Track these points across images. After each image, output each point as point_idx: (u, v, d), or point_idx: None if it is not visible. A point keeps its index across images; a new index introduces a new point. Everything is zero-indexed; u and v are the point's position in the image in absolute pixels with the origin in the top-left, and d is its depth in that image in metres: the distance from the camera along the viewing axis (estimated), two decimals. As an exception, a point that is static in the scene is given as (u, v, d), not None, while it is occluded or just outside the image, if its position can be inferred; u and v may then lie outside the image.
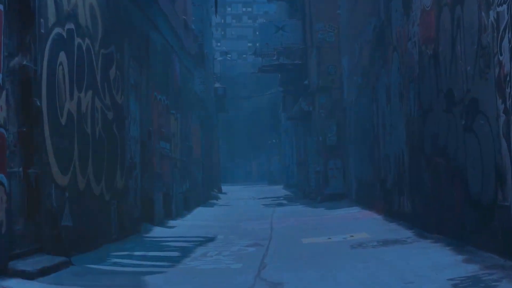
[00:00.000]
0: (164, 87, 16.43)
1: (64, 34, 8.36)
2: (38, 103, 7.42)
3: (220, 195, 34.01)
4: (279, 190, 40.42)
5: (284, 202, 26.97)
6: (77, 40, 8.84)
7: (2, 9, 6.48)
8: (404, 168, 11.90)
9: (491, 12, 6.76)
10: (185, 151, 20.49)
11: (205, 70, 28.92)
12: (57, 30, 8.10)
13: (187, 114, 21.20)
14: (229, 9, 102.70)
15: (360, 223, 13.43)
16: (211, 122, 32.26)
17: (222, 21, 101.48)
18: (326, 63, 24.37)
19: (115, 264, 8.37)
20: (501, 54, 6.53)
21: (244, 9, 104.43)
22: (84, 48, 9.09)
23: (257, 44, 33.07)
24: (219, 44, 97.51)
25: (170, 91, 17.27)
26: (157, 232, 13.38)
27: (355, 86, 19.48)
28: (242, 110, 69.03)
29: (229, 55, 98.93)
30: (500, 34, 6.53)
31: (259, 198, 30.83)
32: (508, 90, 6.38)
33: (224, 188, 44.23)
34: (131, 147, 12.05)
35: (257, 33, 42.47)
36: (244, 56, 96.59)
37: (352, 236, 10.80)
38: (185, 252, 9.75)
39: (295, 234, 12.07)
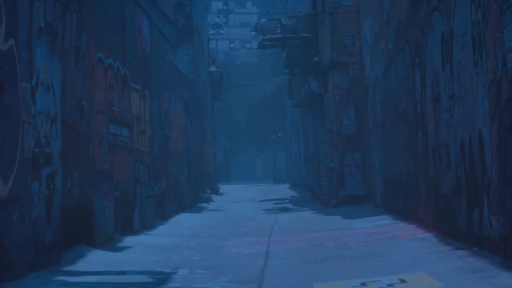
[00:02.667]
0: (119, 48, 11.92)
1: None
2: None
3: (215, 196, 29.51)
4: (285, 190, 35.88)
5: (290, 206, 22.44)
6: None
7: None
8: (483, 162, 7.37)
9: None
10: (159, 142, 15.99)
11: (194, 46, 24.44)
12: None
13: (163, 95, 16.71)
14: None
15: (403, 247, 8.90)
16: (204, 110, 27.76)
17: (225, 7, 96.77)
18: (342, 33, 19.82)
19: None
20: None
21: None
22: None
23: (262, 21, 28.40)
24: (221, 32, 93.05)
25: (130, 57, 12.77)
26: (93, 259, 8.91)
27: (383, 55, 14.95)
28: (245, 101, 64.46)
29: (232, 44, 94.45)
30: None
31: (259, 201, 26.31)
32: None
33: (223, 187, 39.82)
34: (37, 129, 7.56)
35: None
36: (248, 45, 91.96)
37: (404, 280, 6.28)
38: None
39: (303, 270, 7.58)
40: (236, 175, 71.31)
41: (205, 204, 23.23)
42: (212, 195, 29.44)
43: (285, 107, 44.08)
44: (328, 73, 20.46)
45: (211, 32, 33.59)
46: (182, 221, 16.68)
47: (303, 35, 23.35)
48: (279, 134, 54.03)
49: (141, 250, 10.28)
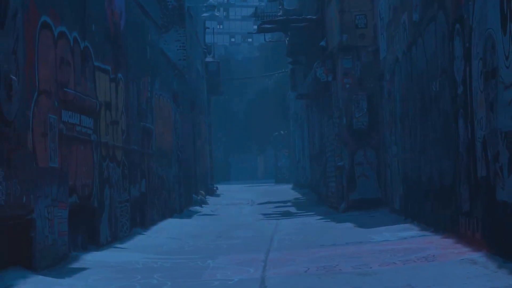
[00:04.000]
0: (77, 15, 9.53)
1: None
2: None
3: (210, 198, 27.16)
4: (287, 191, 33.49)
5: (293, 210, 20.06)
6: None
7: None
8: None
9: None
10: (138, 136, 13.63)
11: (186, 31, 22.05)
12: None
13: (144, 81, 14.34)
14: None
15: (450, 275, 6.50)
16: (197, 103, 25.37)
17: (225, 0, 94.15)
18: (353, 12, 17.45)
19: None
20: None
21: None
22: None
23: (263, 4, 26.03)
24: (220, 26, 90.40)
25: (94, 28, 10.39)
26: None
27: (406, 30, 12.56)
28: (245, 96, 62.04)
29: (233, 39, 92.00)
30: None
31: (259, 204, 23.94)
32: None
33: (222, 188, 37.49)
34: None
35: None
36: (250, 40, 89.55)
37: None
38: None
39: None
40: (236, 174, 68.95)
41: (198, 208, 20.87)
42: (207, 197, 27.10)
43: (288, 101, 41.67)
44: (336, 59, 18.08)
45: (204, 14, 31.09)
46: (167, 229, 14.32)
47: (308, 17, 20.94)
48: (282, 131, 51.64)
49: (97, 274, 7.91)
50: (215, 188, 32.41)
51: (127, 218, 12.40)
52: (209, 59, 31.41)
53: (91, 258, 9.19)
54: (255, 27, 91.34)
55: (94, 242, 10.27)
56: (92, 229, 10.26)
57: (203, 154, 27.93)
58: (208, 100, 31.82)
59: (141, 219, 13.91)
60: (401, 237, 10.21)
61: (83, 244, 9.91)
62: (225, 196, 29.48)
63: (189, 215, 18.62)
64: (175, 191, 18.25)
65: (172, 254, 10.03)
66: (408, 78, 12.44)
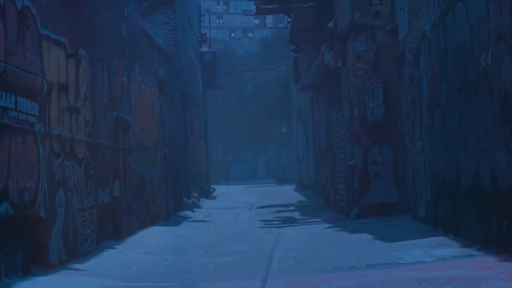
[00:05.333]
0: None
1: None
2: None
3: (205, 201, 24.88)
4: (290, 192, 31.15)
5: (297, 215, 17.74)
6: None
7: None
8: None
9: None
10: (109, 128, 11.32)
11: (176, 13, 19.73)
12: None
13: (118, 63, 12.02)
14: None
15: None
16: (190, 95, 23.05)
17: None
18: (366, -15, 15.16)
19: None
20: None
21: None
22: None
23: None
24: (220, 20, 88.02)
25: (40, -14, 8.09)
26: None
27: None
28: (246, 93, 59.72)
29: (233, 34, 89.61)
30: None
31: (258, 207, 21.64)
32: None
33: (220, 189, 35.24)
34: None
35: None
36: (250, 35, 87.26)
37: None
38: None
39: None
40: (236, 174, 66.83)
41: (189, 213, 18.56)
42: (202, 199, 24.82)
43: (291, 96, 39.33)
44: (347, 41, 15.79)
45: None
46: (146, 240, 12.04)
47: (313, -4, 18.65)
48: (284, 129, 49.34)
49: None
50: (211, 190, 30.11)
51: (92, 229, 10.10)
52: (204, 48, 29.08)
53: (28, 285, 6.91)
54: (257, 21, 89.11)
55: (41, 263, 7.98)
56: (37, 246, 7.96)
57: (197, 152, 25.62)
58: (203, 94, 29.49)
59: (114, 229, 11.63)
60: (439, 257, 7.91)
61: (23, 267, 7.62)
62: (222, 199, 27.16)
63: (178, 221, 16.33)
64: (160, 194, 15.95)
65: (140, 279, 7.74)
66: (441, 55, 10.12)
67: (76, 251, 9.24)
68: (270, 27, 28.70)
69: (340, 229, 13.14)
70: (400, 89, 14.39)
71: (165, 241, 12.07)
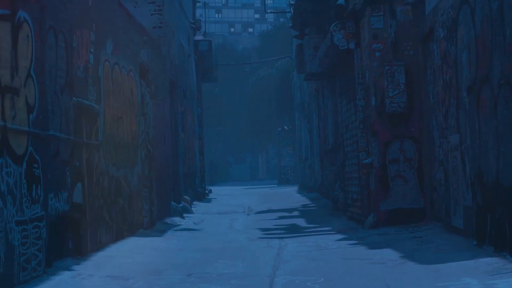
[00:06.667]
0: None
1: None
2: None
3: (199, 204, 22.63)
4: (292, 194, 28.85)
5: (301, 223, 15.46)
6: None
7: None
8: None
9: None
10: (67, 117, 9.03)
11: (164, -9, 17.45)
12: None
13: (81, 36, 9.73)
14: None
15: None
16: (180, 86, 20.76)
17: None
18: (385, -49, 12.91)
19: None
20: None
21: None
22: None
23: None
24: (219, 15, 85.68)
25: None
26: None
27: None
28: (246, 87, 57.39)
29: (233, 29, 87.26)
30: None
31: (258, 212, 19.36)
32: None
33: (218, 190, 33.10)
34: None
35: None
36: (251, 29, 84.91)
37: None
38: None
39: None
40: (235, 175, 64.67)
41: (177, 220, 16.28)
42: (195, 203, 22.58)
43: (293, 90, 37.03)
44: (361, 18, 13.52)
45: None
46: (115, 258, 9.76)
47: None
48: (285, 127, 47.05)
49: None
50: (206, 192, 27.86)
51: (39, 246, 7.84)
52: (199, 37, 26.79)
53: None
54: (257, 16, 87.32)
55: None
56: None
57: (190, 150, 23.33)
58: (198, 86, 27.21)
59: (76, 244, 9.38)
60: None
61: None
62: (218, 202, 24.88)
63: (163, 230, 14.07)
64: (141, 198, 13.67)
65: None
66: (493, 19, 7.85)
67: (10, 279, 6.98)
68: (272, 12, 26.36)
69: (356, 241, 10.88)
70: (426, 73, 12.14)
71: (140, 258, 9.80)
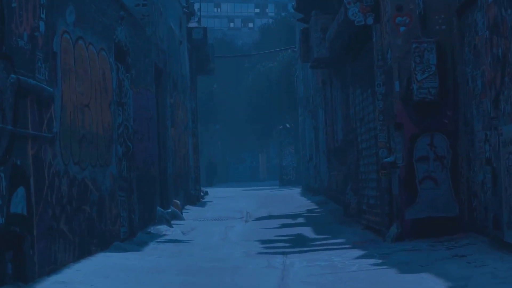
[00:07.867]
0: None
1: None
2: None
3: (191, 208, 20.45)
4: (296, 197, 26.60)
5: (308, 233, 13.21)
6: None
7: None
8: None
9: None
10: (4, 101, 6.82)
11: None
12: None
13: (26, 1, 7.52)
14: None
15: None
16: (170, 74, 18.53)
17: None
18: None
19: None
20: None
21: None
22: None
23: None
24: (217, 9, 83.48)
25: None
26: None
27: None
28: (246, 85, 55.24)
29: (232, 24, 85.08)
30: None
31: (257, 219, 17.13)
32: None
33: (215, 192, 31.01)
34: None
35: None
36: (251, 24, 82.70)
37: None
38: None
39: None
40: (235, 175, 62.59)
41: (163, 228, 14.03)
42: (188, 207, 20.42)
43: (295, 85, 34.81)
44: (381, -13, 11.30)
45: None
46: (71, 284, 7.55)
47: None
48: (287, 125, 44.84)
49: None
50: (202, 194, 25.67)
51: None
52: (193, 24, 24.58)
53: None
54: (257, 10, 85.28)
55: None
56: None
57: (182, 148, 21.10)
58: (193, 78, 24.99)
59: (16, 267, 7.16)
60: None
61: None
62: (214, 205, 22.67)
63: (143, 242, 11.85)
64: (117, 204, 11.45)
65: None
66: None
67: None
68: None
69: (380, 260, 8.67)
70: (463, 51, 9.94)
71: (102, 285, 7.58)
